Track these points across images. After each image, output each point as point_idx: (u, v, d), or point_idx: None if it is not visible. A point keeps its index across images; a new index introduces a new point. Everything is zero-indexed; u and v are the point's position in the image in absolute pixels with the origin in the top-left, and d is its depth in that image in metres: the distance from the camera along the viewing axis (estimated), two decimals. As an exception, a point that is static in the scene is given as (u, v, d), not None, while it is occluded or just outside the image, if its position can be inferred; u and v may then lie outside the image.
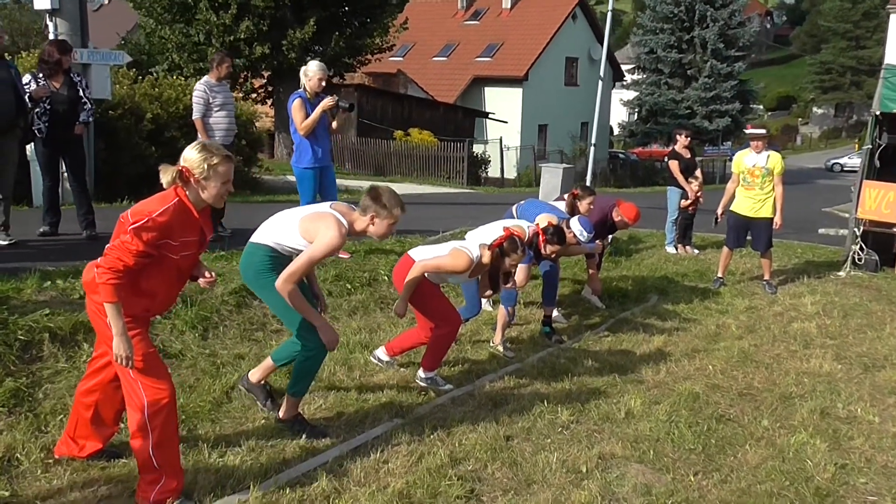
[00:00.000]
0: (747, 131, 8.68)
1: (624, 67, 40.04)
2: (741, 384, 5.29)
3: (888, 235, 9.44)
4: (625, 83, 40.59)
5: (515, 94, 32.24)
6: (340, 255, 7.12)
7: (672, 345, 6.14)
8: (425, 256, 4.75)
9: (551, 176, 10.46)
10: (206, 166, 3.12)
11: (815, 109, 62.44)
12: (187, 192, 3.15)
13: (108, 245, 3.05)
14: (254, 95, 22.28)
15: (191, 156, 3.14)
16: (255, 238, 4.00)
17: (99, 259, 3.04)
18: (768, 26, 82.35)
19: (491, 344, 5.75)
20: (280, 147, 22.01)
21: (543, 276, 6.30)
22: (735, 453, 4.18)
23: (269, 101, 22.75)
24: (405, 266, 4.76)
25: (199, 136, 7.45)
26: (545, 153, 31.41)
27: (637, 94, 39.99)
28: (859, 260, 9.21)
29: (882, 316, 7.24)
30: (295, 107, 6.60)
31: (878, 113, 9.27)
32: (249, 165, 13.09)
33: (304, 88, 6.66)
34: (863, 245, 9.24)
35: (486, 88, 32.75)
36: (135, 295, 3.10)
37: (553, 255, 5.77)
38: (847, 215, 10.17)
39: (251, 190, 12.53)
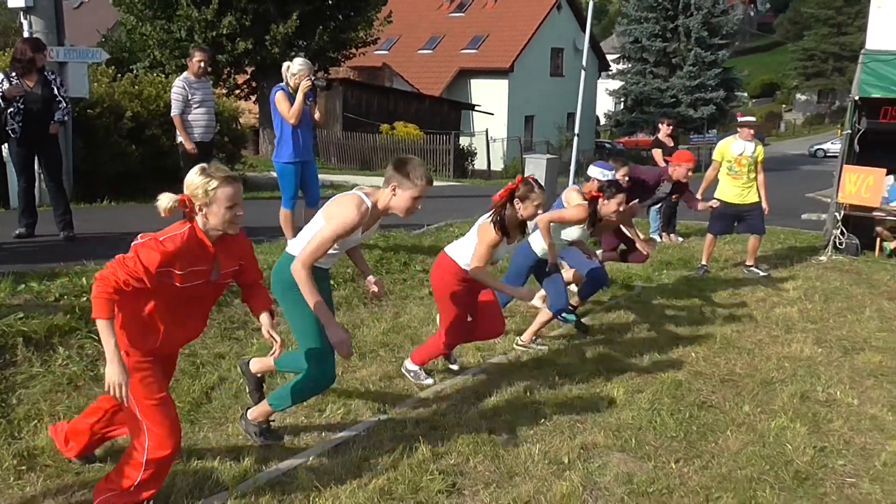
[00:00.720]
0: (740, 119, 8.67)
1: (609, 57, 40.13)
2: (723, 370, 5.30)
3: (868, 219, 9.51)
4: (610, 73, 40.69)
5: (501, 85, 32.22)
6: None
7: (655, 333, 6.14)
8: (461, 252, 4.52)
9: (535, 167, 10.43)
10: (203, 192, 2.93)
11: (798, 96, 62.70)
12: (199, 221, 2.98)
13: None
14: (237, 91, 22.15)
15: (190, 181, 2.96)
16: (292, 248, 3.71)
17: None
18: (752, 14, 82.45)
19: (519, 341, 5.55)
20: (265, 143, 21.91)
21: (587, 275, 5.77)
22: (716, 439, 4.19)
23: (254, 98, 22.63)
24: (443, 266, 4.57)
25: (178, 132, 7.43)
26: (532, 144, 31.40)
27: (622, 83, 40.13)
28: (840, 244, 9.27)
29: (862, 299, 7.29)
30: (279, 98, 6.59)
31: (856, 98, 9.32)
32: (233, 162, 13.03)
33: (287, 83, 6.64)
34: (843, 229, 9.29)
35: (471, 80, 32.73)
36: (139, 326, 2.95)
37: (622, 212, 5.42)
38: (829, 200, 10.23)
39: (235, 187, 12.45)
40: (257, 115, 22.55)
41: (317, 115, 6.88)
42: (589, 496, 3.54)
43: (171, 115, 7.45)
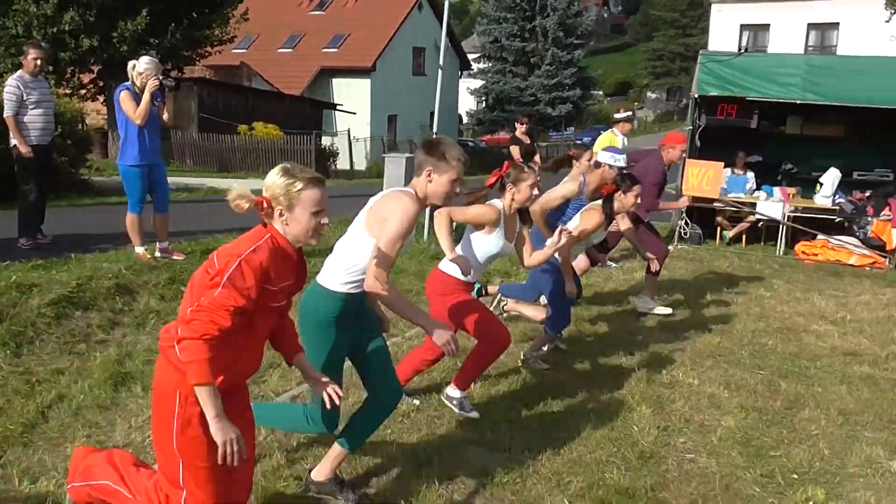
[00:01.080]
0: (622, 114, 9.03)
1: (470, 56, 40.87)
2: (576, 360, 5.51)
3: (710, 210, 10.18)
4: (472, 72, 41.48)
5: (364, 84, 32.13)
6: (174, 257, 6.80)
7: (512, 327, 6.25)
8: (454, 264, 4.16)
9: (395, 166, 10.46)
10: (284, 194, 2.59)
11: (649, 94, 66.23)
12: (278, 227, 2.65)
13: (189, 307, 2.45)
14: (83, 91, 20.86)
15: (271, 182, 2.62)
16: (324, 280, 3.25)
17: (177, 326, 2.43)
18: (605, 16, 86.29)
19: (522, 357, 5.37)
20: (113, 146, 20.75)
21: (548, 297, 5.46)
22: (569, 426, 4.34)
23: (101, 98, 21.38)
24: (438, 282, 4.27)
25: (12, 134, 7.01)
26: (395, 143, 31.51)
27: (483, 82, 41.03)
28: (685, 234, 9.88)
29: (704, 285, 7.81)
30: (123, 98, 6.37)
31: (696, 96, 9.95)
32: (77, 166, 12.27)
33: (133, 82, 6.41)
34: (688, 220, 9.91)
35: (333, 80, 32.43)
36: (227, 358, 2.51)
37: (638, 204, 5.32)
38: (674, 192, 10.86)
39: (79, 193, 11.76)
40: (105, 117, 21.35)
41: (165, 116, 6.67)
42: (445, 490, 3.58)
43: (4, 116, 7.02)
